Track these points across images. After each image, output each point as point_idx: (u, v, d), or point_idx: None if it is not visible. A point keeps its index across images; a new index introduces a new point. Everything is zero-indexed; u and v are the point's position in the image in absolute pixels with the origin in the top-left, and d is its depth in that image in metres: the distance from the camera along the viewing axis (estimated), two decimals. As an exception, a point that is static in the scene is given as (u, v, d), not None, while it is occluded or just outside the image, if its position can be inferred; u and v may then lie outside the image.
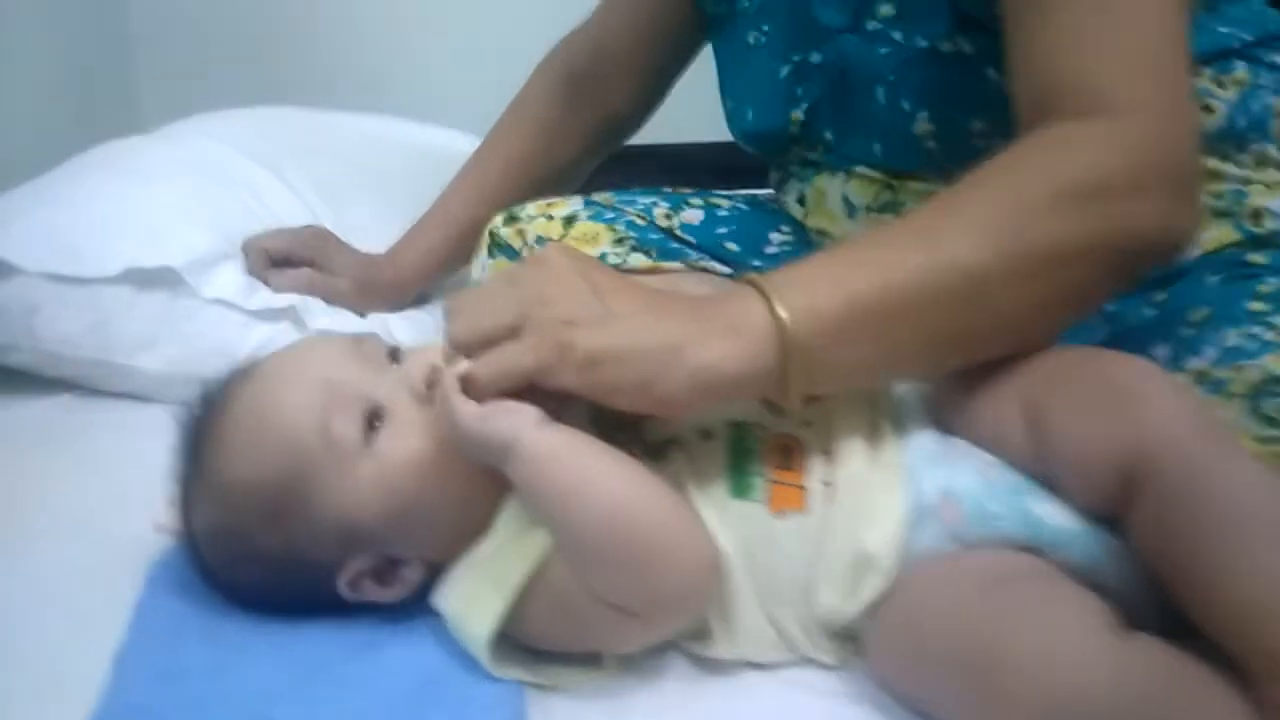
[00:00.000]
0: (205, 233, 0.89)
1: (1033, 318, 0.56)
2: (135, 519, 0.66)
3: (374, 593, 0.59)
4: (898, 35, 0.73)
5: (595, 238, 0.85)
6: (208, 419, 0.61)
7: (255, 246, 0.90)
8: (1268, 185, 0.73)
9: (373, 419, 0.58)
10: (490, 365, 0.54)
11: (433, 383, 0.58)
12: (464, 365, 0.54)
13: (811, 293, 0.54)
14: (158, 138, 1.07)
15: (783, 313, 0.53)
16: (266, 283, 0.90)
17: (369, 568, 0.59)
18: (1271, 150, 0.74)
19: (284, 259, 0.91)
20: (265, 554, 0.58)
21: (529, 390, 0.54)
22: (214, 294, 0.86)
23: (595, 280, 0.56)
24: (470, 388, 0.54)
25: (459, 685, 0.54)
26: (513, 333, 0.54)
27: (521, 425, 0.53)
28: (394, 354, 0.62)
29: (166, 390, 0.83)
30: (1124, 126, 0.56)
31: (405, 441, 0.57)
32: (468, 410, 0.54)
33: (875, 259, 0.55)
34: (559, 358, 0.52)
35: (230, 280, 0.88)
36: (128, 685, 0.54)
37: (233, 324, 0.86)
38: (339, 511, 0.57)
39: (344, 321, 0.91)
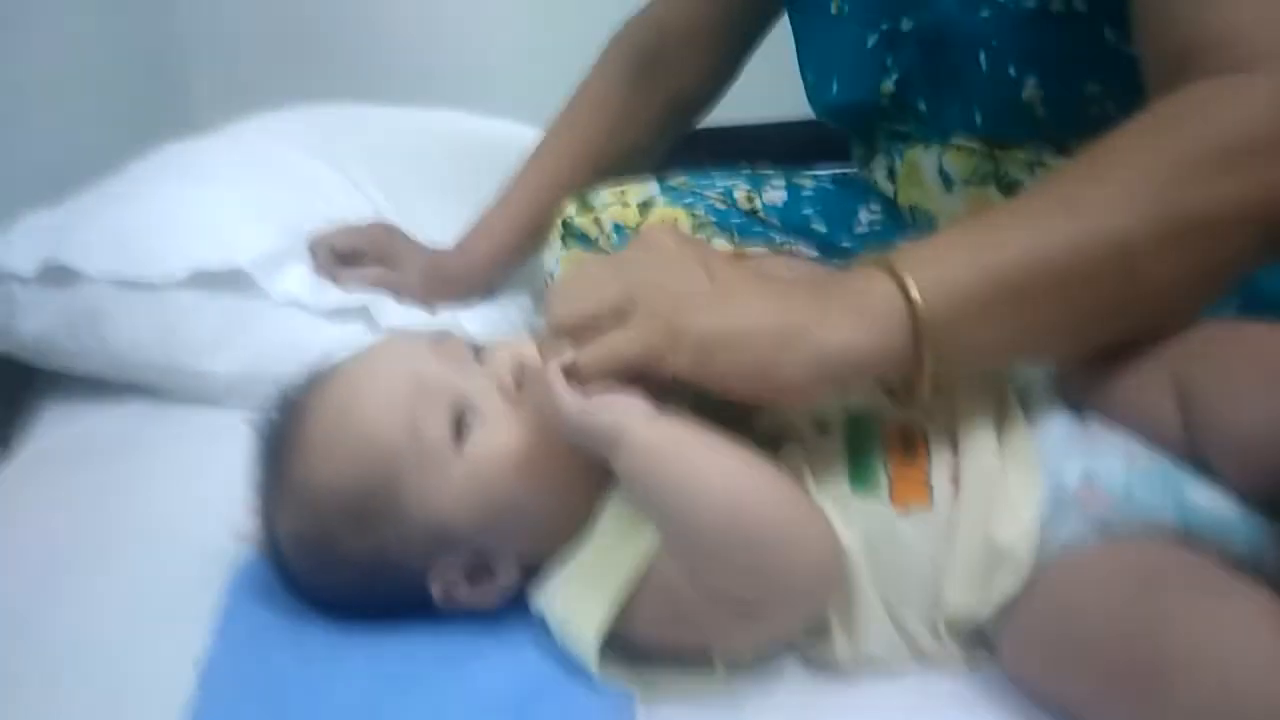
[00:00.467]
0: (271, 232, 0.88)
1: (1183, 290, 0.52)
2: (215, 527, 0.64)
3: (467, 597, 0.57)
4: None
5: (674, 223, 0.81)
6: (289, 423, 0.59)
7: (323, 244, 0.89)
8: None
9: (462, 417, 0.55)
10: (596, 352, 0.51)
11: (521, 380, 0.56)
12: (568, 354, 0.51)
13: (945, 269, 0.50)
14: (216, 138, 1.05)
15: (915, 291, 0.49)
16: (335, 281, 0.88)
17: (461, 569, 0.56)
18: None
19: (352, 256, 0.89)
20: (354, 559, 0.56)
21: (636, 379, 0.51)
22: (283, 294, 0.84)
23: (707, 261, 0.53)
24: (574, 376, 0.51)
25: (564, 695, 0.51)
26: (619, 316, 0.51)
27: (629, 416, 0.51)
28: (477, 351, 0.60)
29: (239, 394, 0.80)
30: (1271, 82, 0.51)
31: (497, 439, 0.55)
32: (572, 401, 0.51)
33: (1012, 231, 0.51)
34: (671, 342, 0.49)
35: (299, 279, 0.86)
36: (214, 696, 0.52)
37: (304, 324, 0.84)
38: (430, 513, 0.55)
39: (416, 319, 0.88)
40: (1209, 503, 0.50)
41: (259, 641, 0.56)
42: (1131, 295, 0.51)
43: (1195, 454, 0.51)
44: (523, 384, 0.56)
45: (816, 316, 0.50)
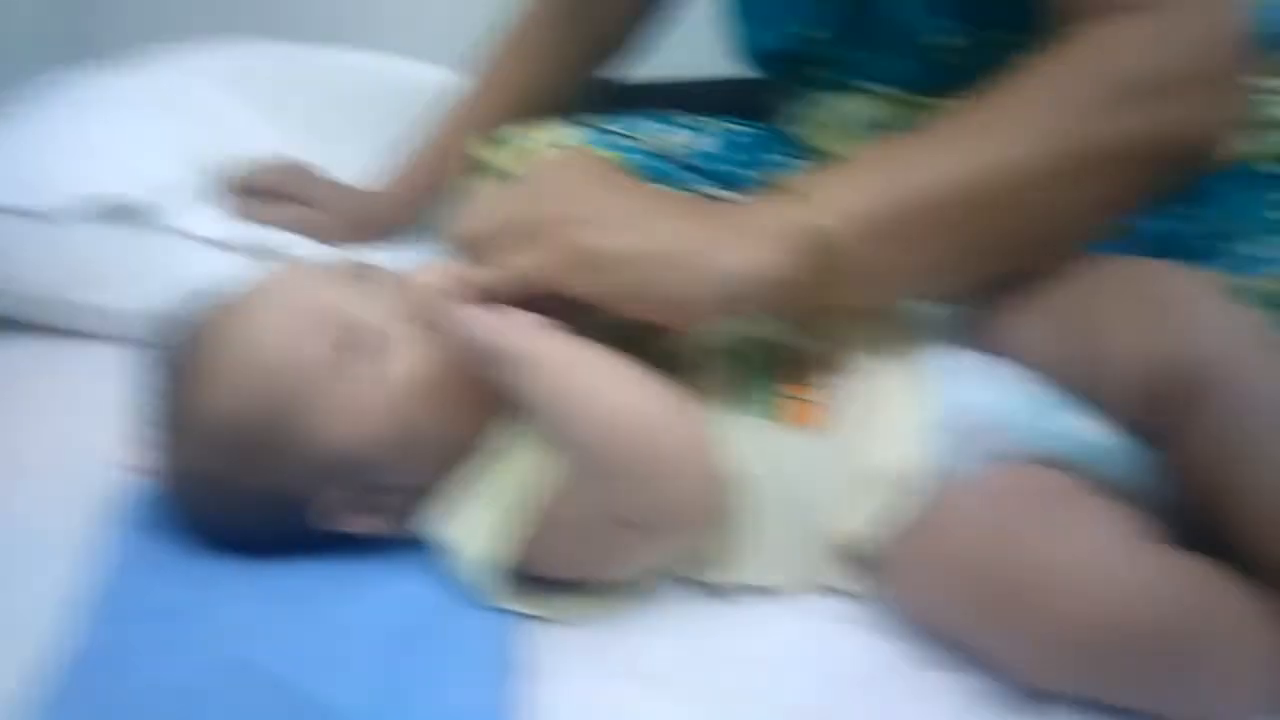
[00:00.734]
0: (178, 165, 0.84)
1: (1075, 222, 0.54)
2: (107, 459, 0.62)
3: (361, 524, 0.56)
4: None
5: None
6: (185, 354, 0.57)
7: (234, 179, 0.86)
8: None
9: (359, 344, 0.55)
10: (497, 270, 0.51)
11: (424, 304, 0.55)
12: (471, 273, 0.51)
13: (849, 195, 0.51)
14: (123, 69, 1.01)
15: (819, 216, 0.50)
16: (249, 219, 0.85)
17: (356, 496, 0.56)
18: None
19: (268, 194, 0.87)
20: (249, 491, 0.55)
21: (538, 300, 0.51)
22: (189, 228, 0.81)
23: (614, 182, 0.53)
24: (475, 294, 0.51)
25: (454, 619, 0.52)
26: (525, 233, 0.51)
27: (528, 334, 0.51)
28: (381, 277, 0.59)
29: (140, 330, 0.78)
30: (1168, 23, 0.53)
31: (397, 364, 0.55)
32: (471, 319, 0.51)
33: (917, 159, 0.52)
34: (575, 260, 0.49)
35: (207, 214, 0.83)
36: (97, 625, 0.51)
37: (209, 260, 0.81)
38: (326, 442, 0.54)
39: (331, 256, 0.86)
40: (1089, 432, 0.52)
41: (143, 571, 0.55)
42: (1031, 224, 0.52)
43: (1079, 385, 0.52)
44: (424, 308, 0.55)
45: (719, 239, 0.50)
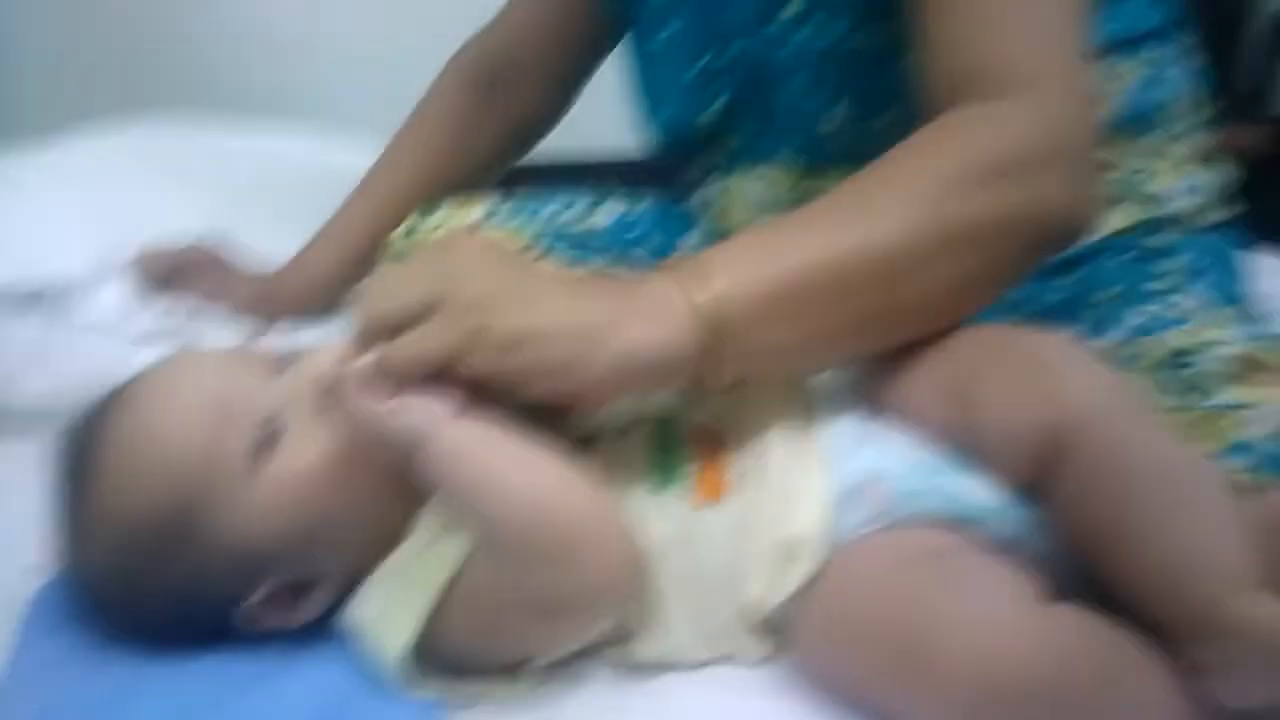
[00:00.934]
0: (83, 250, 0.84)
1: (951, 297, 0.56)
2: (9, 560, 0.61)
3: (278, 619, 0.55)
4: (806, 31, 0.73)
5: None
6: (83, 451, 0.56)
7: (141, 264, 0.86)
8: (1165, 169, 0.75)
9: (264, 434, 0.54)
10: (398, 353, 0.51)
11: (326, 391, 0.55)
12: (370, 356, 0.51)
13: (733, 274, 0.52)
14: (32, 152, 1.01)
15: (706, 295, 0.51)
16: (154, 303, 0.85)
17: (275, 594, 0.55)
18: (1168, 136, 0.76)
19: (173, 277, 0.87)
20: (161, 589, 0.54)
21: (441, 381, 0.51)
22: (95, 317, 0.81)
23: (512, 264, 0.54)
24: (378, 379, 0.51)
25: (366, 706, 0.51)
26: (423, 316, 0.51)
27: (431, 417, 0.51)
28: (281, 361, 0.58)
29: (46, 423, 0.77)
30: (1032, 106, 0.56)
31: (302, 455, 0.54)
32: (371, 404, 0.51)
33: (795, 240, 0.54)
34: (473, 340, 0.50)
35: (113, 302, 0.83)
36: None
37: (117, 349, 0.80)
38: (237, 539, 0.53)
39: (240, 340, 0.86)
40: (976, 492, 0.54)
41: (54, 671, 0.54)
42: (905, 301, 0.54)
43: (967, 448, 0.54)
44: (328, 394, 0.55)
45: (614, 318, 0.51)
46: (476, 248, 0.54)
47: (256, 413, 0.54)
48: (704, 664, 0.55)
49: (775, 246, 0.54)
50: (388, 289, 0.53)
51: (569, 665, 0.55)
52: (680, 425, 0.57)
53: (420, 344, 0.50)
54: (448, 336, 0.50)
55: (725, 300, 0.52)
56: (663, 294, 0.52)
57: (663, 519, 0.54)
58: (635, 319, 0.51)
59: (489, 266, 0.53)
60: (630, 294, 0.53)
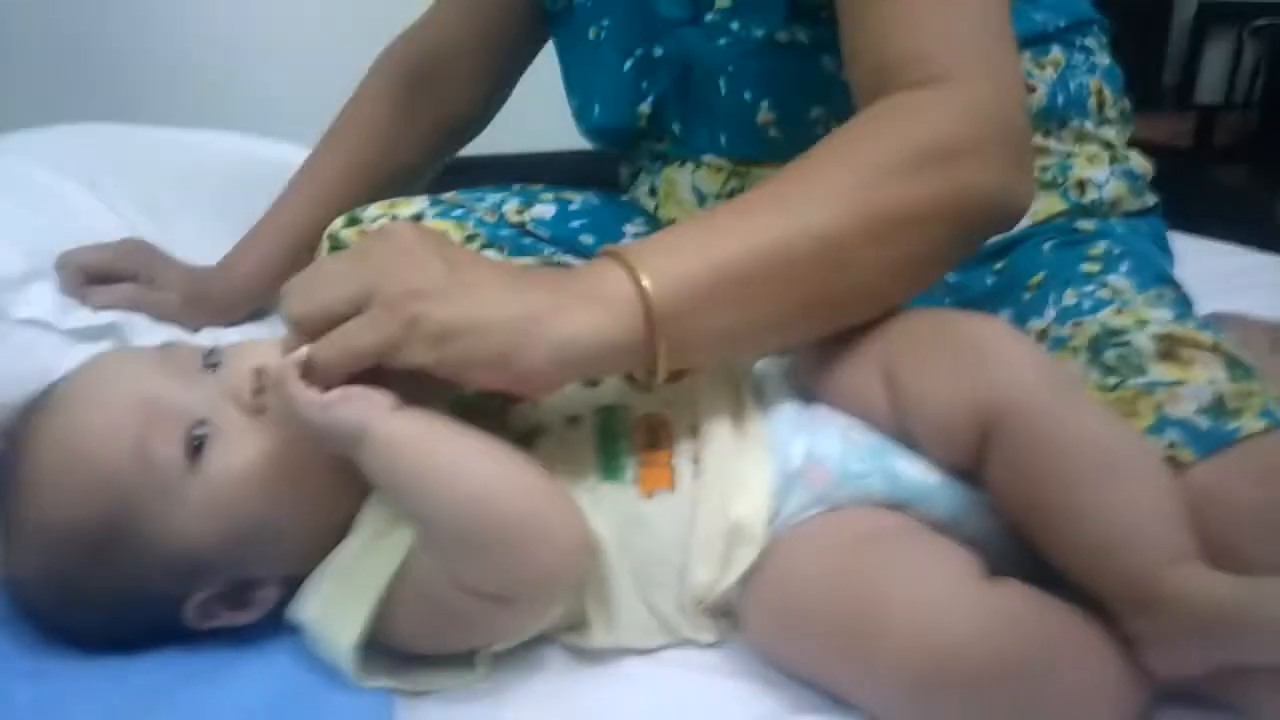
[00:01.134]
0: (12, 250, 0.82)
1: (888, 280, 0.56)
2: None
3: (227, 618, 0.55)
4: (735, 26, 0.74)
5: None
6: (9, 457, 0.55)
7: (70, 262, 0.84)
8: (1089, 158, 0.78)
9: (194, 436, 0.53)
10: (332, 346, 0.50)
11: (259, 388, 0.54)
12: (303, 350, 0.50)
13: (672, 260, 0.52)
14: (-45, 155, 0.98)
15: (645, 281, 0.51)
16: (84, 301, 0.83)
17: (219, 595, 0.54)
18: (1089, 126, 0.79)
19: (103, 275, 0.85)
20: (100, 596, 0.53)
21: (378, 375, 0.50)
22: (26, 314, 0.79)
23: (446, 253, 0.52)
24: (311, 373, 0.50)
25: (317, 697, 0.51)
26: (356, 308, 0.50)
27: (371, 411, 0.50)
28: (210, 358, 0.57)
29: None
30: (960, 92, 0.57)
31: (235, 456, 0.53)
32: (310, 399, 0.50)
33: (733, 226, 0.54)
34: (408, 332, 0.49)
35: (43, 299, 0.81)
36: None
37: (48, 346, 0.79)
38: (174, 543, 0.52)
39: (173, 339, 0.84)
40: (914, 473, 0.55)
41: (-10, 671, 0.53)
42: (841, 285, 0.55)
43: (903, 430, 0.56)
44: (260, 392, 0.54)
45: (552, 306, 0.51)
46: (411, 237, 0.53)
47: (187, 415, 0.53)
48: (657, 649, 0.56)
49: (714, 233, 0.54)
50: (319, 281, 0.52)
51: (521, 651, 0.55)
52: (627, 414, 0.57)
53: (354, 337, 0.49)
54: (382, 329, 0.49)
55: (665, 286, 0.52)
56: (602, 281, 0.52)
57: (612, 507, 0.54)
58: (574, 306, 0.51)
59: (423, 256, 0.51)
60: (568, 282, 0.53)
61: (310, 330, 0.51)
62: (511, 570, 0.51)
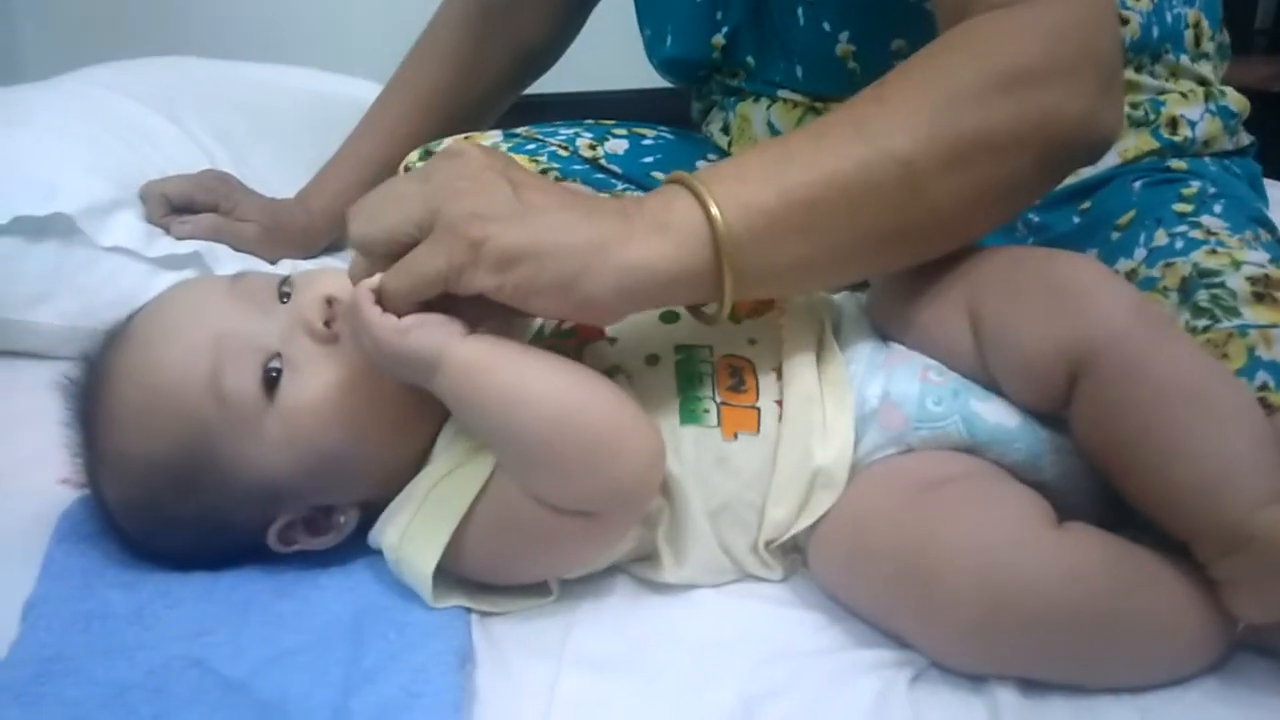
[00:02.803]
0: (99, 180, 0.84)
1: (967, 210, 0.54)
2: (41, 475, 0.63)
3: (307, 542, 0.56)
4: None
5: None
6: (91, 389, 0.56)
7: (154, 192, 0.86)
8: (1183, 94, 0.75)
9: (269, 368, 0.53)
10: (401, 275, 0.49)
11: (330, 317, 0.54)
12: (375, 278, 0.50)
13: (742, 188, 0.51)
14: (44, 88, 1.00)
15: (714, 208, 0.50)
16: (167, 230, 0.85)
17: (299, 520, 0.56)
18: (1185, 60, 0.76)
19: (185, 205, 0.86)
20: (185, 522, 0.55)
21: (449, 307, 0.50)
22: (111, 242, 0.81)
23: (513, 176, 0.51)
24: (385, 301, 0.50)
25: (398, 611, 0.52)
26: (420, 230, 0.49)
27: (448, 335, 0.50)
28: (283, 287, 0.57)
29: (66, 346, 0.77)
30: (1046, 14, 0.54)
31: (310, 387, 0.53)
32: (386, 324, 0.50)
33: (806, 152, 0.52)
34: (472, 255, 0.48)
35: (128, 228, 0.83)
36: (39, 634, 0.51)
37: (133, 274, 0.81)
38: (254, 474, 0.53)
39: (253, 269, 0.86)
40: (993, 415, 0.53)
41: (85, 578, 0.55)
42: (918, 214, 0.53)
43: (985, 372, 0.54)
44: (333, 321, 0.54)
45: (619, 233, 0.49)
46: (478, 159, 0.51)
47: (261, 349, 0.54)
48: (724, 584, 0.56)
49: (786, 159, 0.52)
50: (384, 203, 0.51)
51: (593, 579, 0.56)
52: (705, 356, 0.56)
53: (422, 264, 0.49)
54: (448, 252, 0.48)
55: (734, 214, 0.50)
56: (669, 208, 0.51)
57: (692, 449, 0.54)
58: (640, 234, 0.50)
59: (489, 178, 0.50)
60: (635, 209, 0.51)
61: (375, 252, 0.51)
62: (592, 483, 0.50)
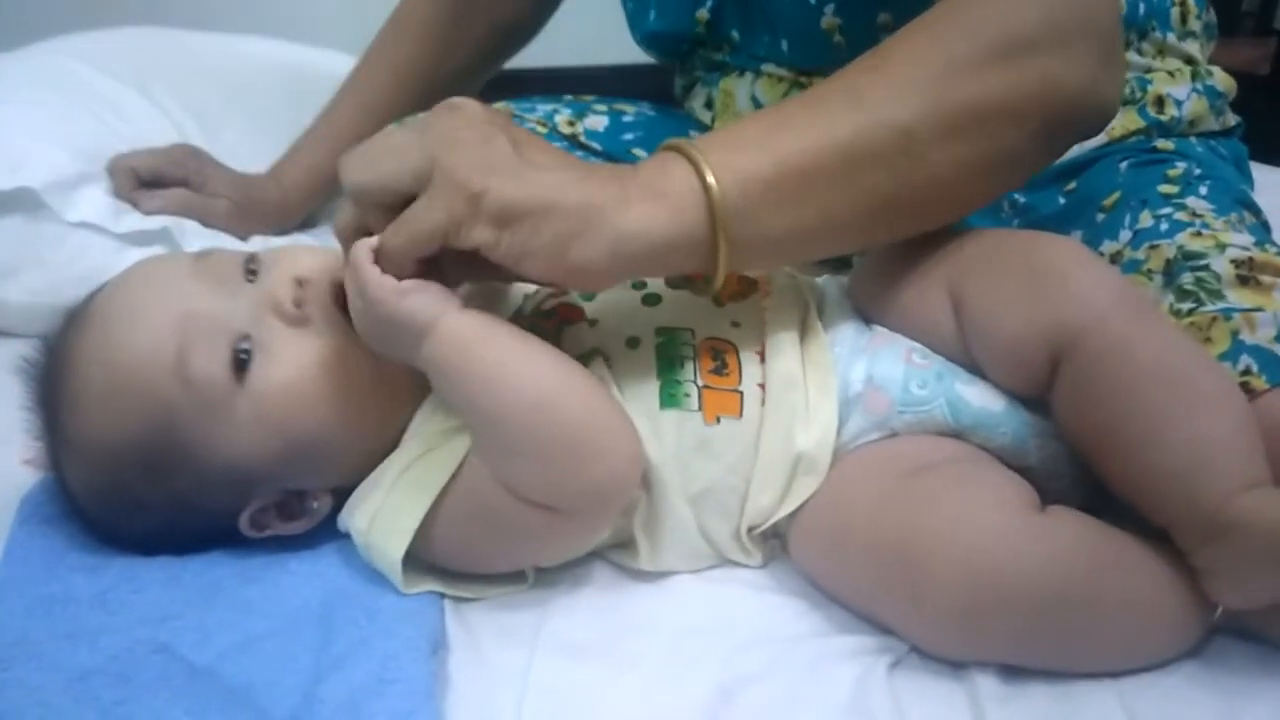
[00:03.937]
0: (65, 153, 0.82)
1: (965, 179, 0.53)
2: (3, 456, 0.61)
3: (279, 527, 0.55)
4: None
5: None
6: (53, 371, 0.54)
7: (122, 166, 0.83)
8: (1170, 73, 0.74)
9: (240, 351, 0.52)
10: (400, 230, 0.48)
11: (300, 299, 0.53)
12: (374, 237, 0.49)
13: (738, 155, 0.50)
14: (11, 58, 0.98)
15: (710, 176, 0.49)
16: (136, 205, 0.83)
17: (271, 505, 0.54)
18: (1171, 38, 0.75)
19: (154, 179, 0.84)
20: (153, 507, 0.54)
21: (439, 261, 0.49)
22: (78, 217, 0.79)
23: (513, 133, 0.50)
24: (384, 262, 0.49)
25: (368, 598, 0.51)
26: (417, 180, 0.48)
27: (445, 303, 0.49)
28: (249, 265, 0.55)
29: (32, 323, 0.75)
30: None
31: (281, 371, 0.52)
32: (384, 283, 0.48)
33: (803, 120, 0.51)
34: (471, 207, 0.47)
35: (95, 203, 0.80)
36: (0, 618, 0.50)
37: (101, 249, 0.79)
38: (225, 459, 0.52)
39: (223, 245, 0.84)
40: (978, 399, 0.53)
41: (48, 561, 0.54)
42: (914, 183, 0.52)
43: (969, 354, 0.54)
44: (303, 303, 0.53)
45: (617, 197, 0.48)
46: (478, 112, 0.50)
47: (229, 331, 0.52)
48: (703, 569, 0.56)
49: (782, 127, 0.51)
50: (381, 151, 0.50)
51: (570, 566, 0.55)
52: (687, 338, 0.55)
53: (420, 220, 0.48)
54: (445, 205, 0.47)
55: (730, 181, 0.49)
56: (664, 175, 0.50)
57: (673, 433, 0.53)
58: (636, 199, 0.49)
59: (490, 131, 0.49)
60: (633, 174, 0.50)
61: (368, 201, 0.50)
62: (567, 479, 0.50)
